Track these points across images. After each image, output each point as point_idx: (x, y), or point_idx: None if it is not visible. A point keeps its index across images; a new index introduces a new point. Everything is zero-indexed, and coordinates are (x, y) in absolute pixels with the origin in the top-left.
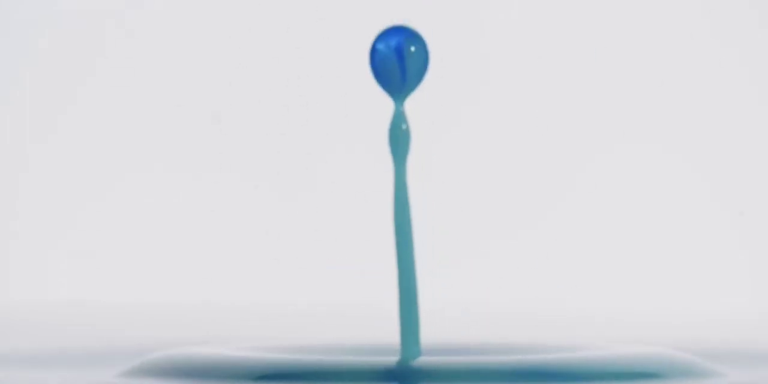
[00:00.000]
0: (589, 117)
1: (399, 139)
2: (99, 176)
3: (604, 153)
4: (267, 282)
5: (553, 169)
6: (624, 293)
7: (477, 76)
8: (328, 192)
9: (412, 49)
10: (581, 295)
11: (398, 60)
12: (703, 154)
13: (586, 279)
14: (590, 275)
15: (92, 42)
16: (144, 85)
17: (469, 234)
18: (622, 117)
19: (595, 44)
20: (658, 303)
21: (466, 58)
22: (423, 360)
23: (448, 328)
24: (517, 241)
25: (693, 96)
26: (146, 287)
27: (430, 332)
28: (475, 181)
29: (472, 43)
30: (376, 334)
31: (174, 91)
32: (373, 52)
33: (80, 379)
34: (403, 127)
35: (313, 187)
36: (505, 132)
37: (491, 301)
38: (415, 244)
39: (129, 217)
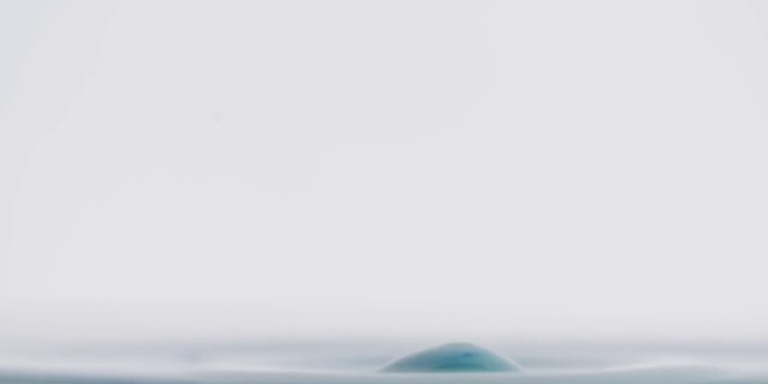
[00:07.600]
0: (583, 117)
1: None
2: (98, 176)
3: (603, 153)
4: (266, 281)
5: (552, 169)
6: (622, 292)
7: (477, 74)
8: (327, 191)
9: None
10: (579, 293)
11: None
12: (701, 154)
13: (584, 278)
14: (587, 273)
15: (91, 41)
16: (143, 83)
17: (465, 231)
18: (620, 118)
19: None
20: (657, 301)
21: (467, 57)
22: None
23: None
24: (512, 240)
25: (693, 96)
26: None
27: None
28: (473, 179)
29: (473, 42)
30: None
31: (174, 89)
32: None
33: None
34: None
35: (313, 186)
36: (504, 131)
37: (485, 300)
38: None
39: (126, 216)
